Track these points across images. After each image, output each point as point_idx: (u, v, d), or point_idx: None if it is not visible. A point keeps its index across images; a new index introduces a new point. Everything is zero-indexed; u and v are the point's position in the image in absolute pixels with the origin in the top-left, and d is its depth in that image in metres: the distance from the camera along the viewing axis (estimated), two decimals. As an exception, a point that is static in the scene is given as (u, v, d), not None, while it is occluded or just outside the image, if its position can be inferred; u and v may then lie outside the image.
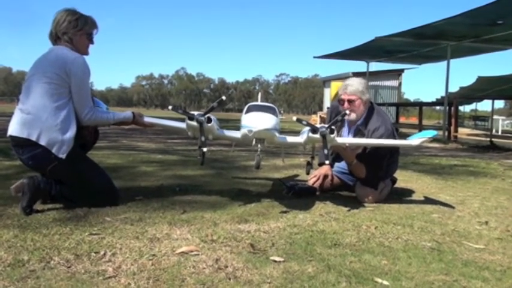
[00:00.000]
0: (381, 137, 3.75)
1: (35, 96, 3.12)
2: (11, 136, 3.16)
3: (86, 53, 3.37)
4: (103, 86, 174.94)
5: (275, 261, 2.35)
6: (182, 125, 3.44)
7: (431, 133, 3.56)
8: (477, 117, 30.55)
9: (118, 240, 2.57)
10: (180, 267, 2.21)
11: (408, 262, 2.43)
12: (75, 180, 3.23)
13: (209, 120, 3.21)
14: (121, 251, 2.39)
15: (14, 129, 3.14)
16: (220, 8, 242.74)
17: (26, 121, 3.09)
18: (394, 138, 3.87)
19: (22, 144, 3.11)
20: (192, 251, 2.43)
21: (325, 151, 3.23)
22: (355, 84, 3.88)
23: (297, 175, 5.35)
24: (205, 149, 3.23)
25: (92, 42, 3.42)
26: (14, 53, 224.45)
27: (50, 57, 3.22)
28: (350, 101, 3.87)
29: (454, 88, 30.11)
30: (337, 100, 4.08)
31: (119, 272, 2.13)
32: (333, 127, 3.24)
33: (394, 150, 3.99)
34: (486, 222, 3.39)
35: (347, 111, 3.63)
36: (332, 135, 3.24)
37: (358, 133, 3.91)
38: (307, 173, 3.98)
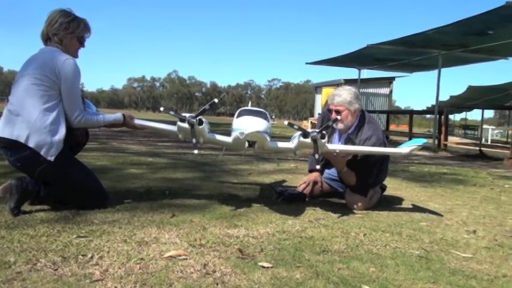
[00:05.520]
0: (372, 146, 3.76)
1: (24, 98, 3.09)
2: None
3: (76, 56, 3.33)
4: (94, 88, 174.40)
5: (263, 266, 2.34)
6: (173, 128, 3.42)
7: (420, 141, 3.58)
8: (467, 126, 30.68)
9: (106, 243, 2.55)
10: (168, 272, 2.20)
11: (396, 270, 2.44)
12: (64, 182, 3.20)
13: (200, 122, 3.20)
14: (108, 254, 2.38)
15: (2, 130, 3.10)
16: (213, 12, 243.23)
17: (15, 122, 3.06)
18: (385, 146, 3.88)
19: (10, 145, 3.07)
20: (180, 255, 2.42)
21: (316, 156, 3.23)
22: (343, 95, 3.89)
23: (286, 180, 5.35)
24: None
25: (83, 45, 3.40)
26: (5, 52, 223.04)
27: (40, 58, 3.19)
28: (337, 112, 3.89)
29: (444, 97, 30.37)
30: (327, 109, 4.10)
31: (106, 275, 2.12)
32: (324, 132, 3.24)
33: (384, 158, 4.00)
34: (474, 231, 3.41)
35: (338, 117, 3.64)
36: (323, 141, 3.24)
37: (348, 141, 3.91)
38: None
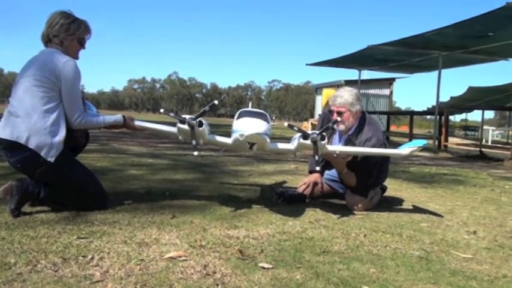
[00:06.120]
0: (372, 147, 3.75)
1: (24, 99, 3.09)
2: None
3: (76, 58, 3.32)
4: (95, 89, 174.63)
5: (264, 267, 2.34)
6: (173, 129, 3.43)
7: (420, 142, 3.58)
8: (467, 127, 30.78)
9: (106, 244, 2.55)
10: (168, 273, 2.20)
11: (396, 270, 2.44)
12: (64, 183, 3.20)
13: (200, 124, 3.20)
14: (109, 256, 2.38)
15: (2, 131, 3.10)
16: (214, 13, 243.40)
17: (15, 124, 3.06)
18: (385, 147, 3.88)
19: (10, 147, 3.07)
20: (180, 257, 2.42)
21: (316, 157, 3.23)
22: (345, 96, 3.88)
23: (286, 181, 5.35)
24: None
25: (83, 47, 3.39)
26: (6, 54, 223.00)
27: (41, 60, 3.19)
28: (339, 113, 3.88)
29: (444, 98, 30.36)
30: (328, 110, 4.09)
31: (106, 276, 2.12)
32: (324, 134, 3.24)
33: (384, 159, 4.00)
34: (474, 232, 3.41)
35: (338, 118, 3.64)
36: (323, 142, 3.24)
37: (348, 142, 3.91)
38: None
